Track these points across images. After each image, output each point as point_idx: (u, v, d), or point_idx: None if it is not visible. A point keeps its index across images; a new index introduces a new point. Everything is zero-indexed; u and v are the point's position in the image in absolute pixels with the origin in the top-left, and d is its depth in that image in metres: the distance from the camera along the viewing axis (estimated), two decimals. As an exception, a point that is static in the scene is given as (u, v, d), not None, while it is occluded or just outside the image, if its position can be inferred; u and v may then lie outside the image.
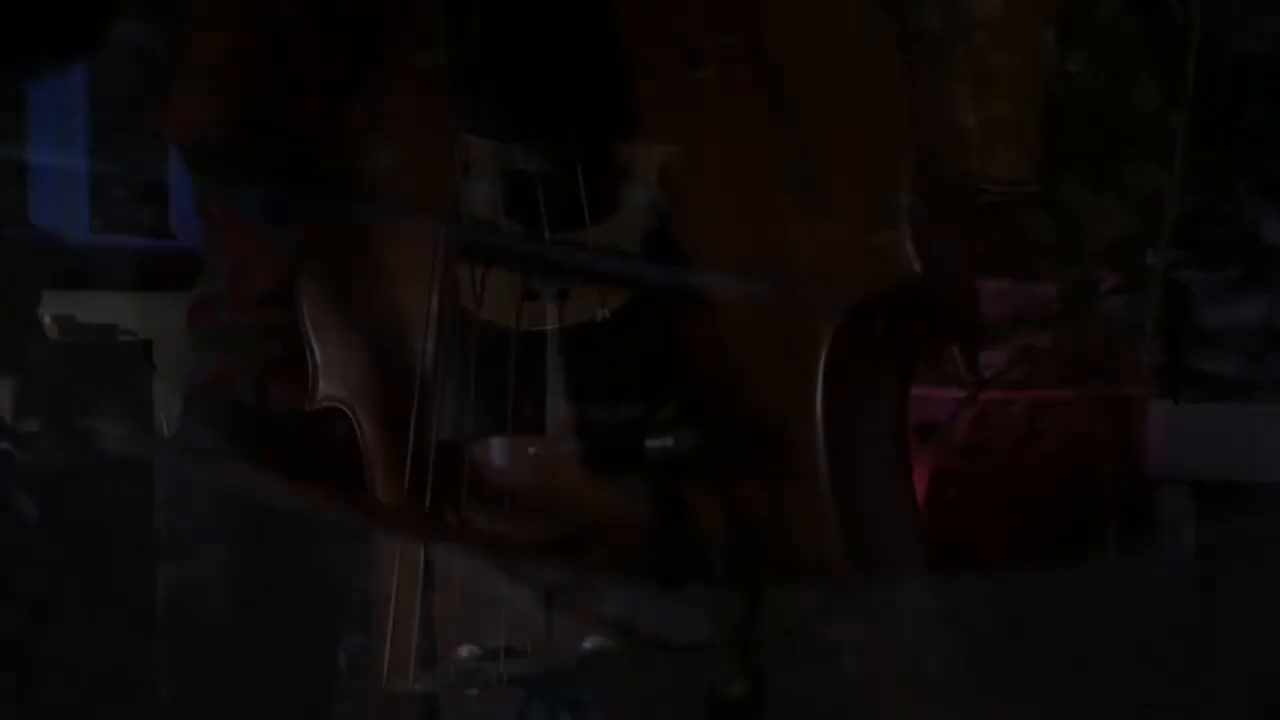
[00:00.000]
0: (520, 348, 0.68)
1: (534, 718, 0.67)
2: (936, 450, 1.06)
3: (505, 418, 0.68)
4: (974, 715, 0.67)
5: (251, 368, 0.84)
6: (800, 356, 0.64)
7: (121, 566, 0.91)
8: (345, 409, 0.75)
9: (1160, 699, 0.88)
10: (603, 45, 0.68)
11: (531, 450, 0.68)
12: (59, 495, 0.93)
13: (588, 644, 0.67)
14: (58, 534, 0.92)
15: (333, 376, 0.76)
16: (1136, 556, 1.05)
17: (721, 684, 0.63)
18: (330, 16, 0.76)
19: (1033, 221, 1.10)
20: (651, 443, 0.64)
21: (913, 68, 0.67)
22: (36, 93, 1.10)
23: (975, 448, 1.10)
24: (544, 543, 0.68)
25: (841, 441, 0.65)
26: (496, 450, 0.69)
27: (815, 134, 0.66)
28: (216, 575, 0.83)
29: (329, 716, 0.76)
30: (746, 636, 0.63)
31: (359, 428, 0.75)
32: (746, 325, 0.66)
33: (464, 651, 0.69)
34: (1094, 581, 0.96)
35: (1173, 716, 0.88)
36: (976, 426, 1.10)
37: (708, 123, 0.68)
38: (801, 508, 0.65)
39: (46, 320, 0.98)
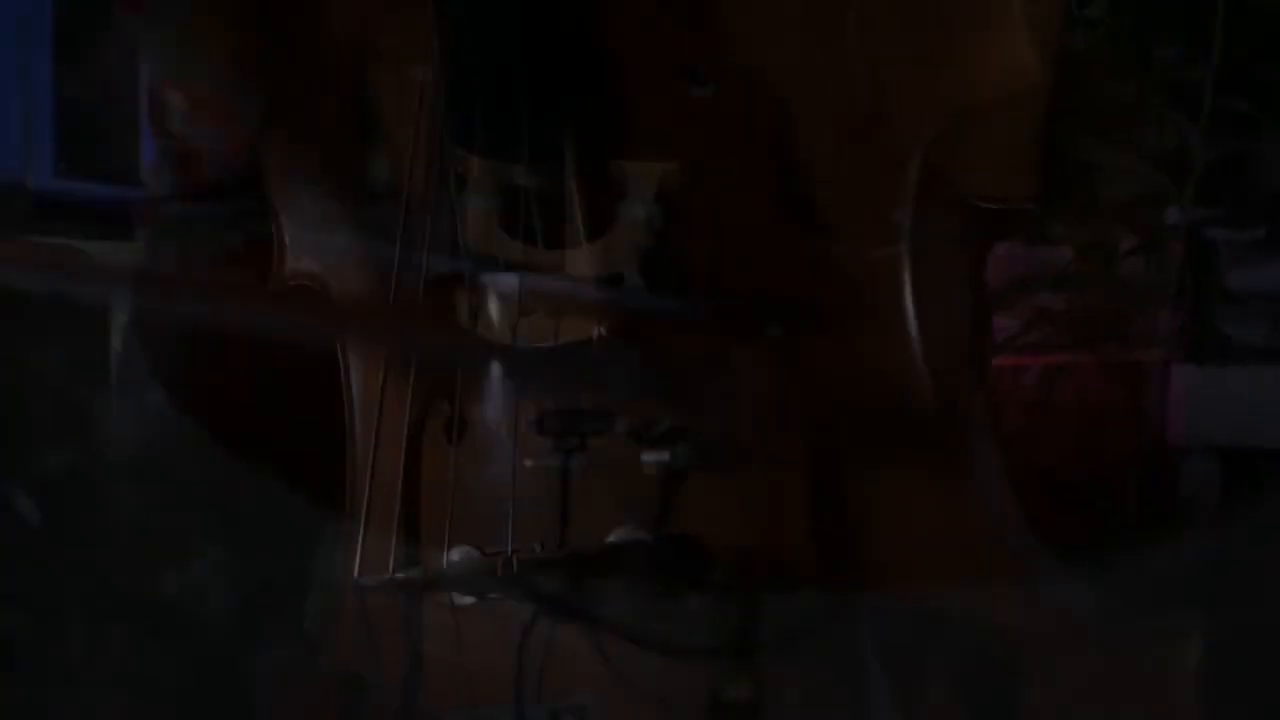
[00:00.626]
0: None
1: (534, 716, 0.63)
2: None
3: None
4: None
5: (209, 260, 0.80)
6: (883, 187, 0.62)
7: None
8: (316, 286, 0.73)
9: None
10: (598, 63, 0.68)
11: (529, 464, 0.66)
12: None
13: (613, 537, 0.63)
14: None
15: (302, 250, 0.73)
16: (1159, 525, 1.00)
17: (722, 687, 0.63)
18: (329, 22, 0.74)
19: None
20: (647, 457, 0.64)
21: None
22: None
23: (987, 415, 1.05)
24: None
25: (926, 292, 0.63)
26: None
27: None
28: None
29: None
30: (747, 639, 0.63)
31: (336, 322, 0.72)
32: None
33: (456, 554, 0.65)
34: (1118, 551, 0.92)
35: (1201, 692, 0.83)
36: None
37: (706, 140, 0.67)
38: (889, 363, 0.64)
39: (-8, 239, 0.93)
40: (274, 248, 0.74)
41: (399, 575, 0.66)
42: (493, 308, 0.67)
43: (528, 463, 0.66)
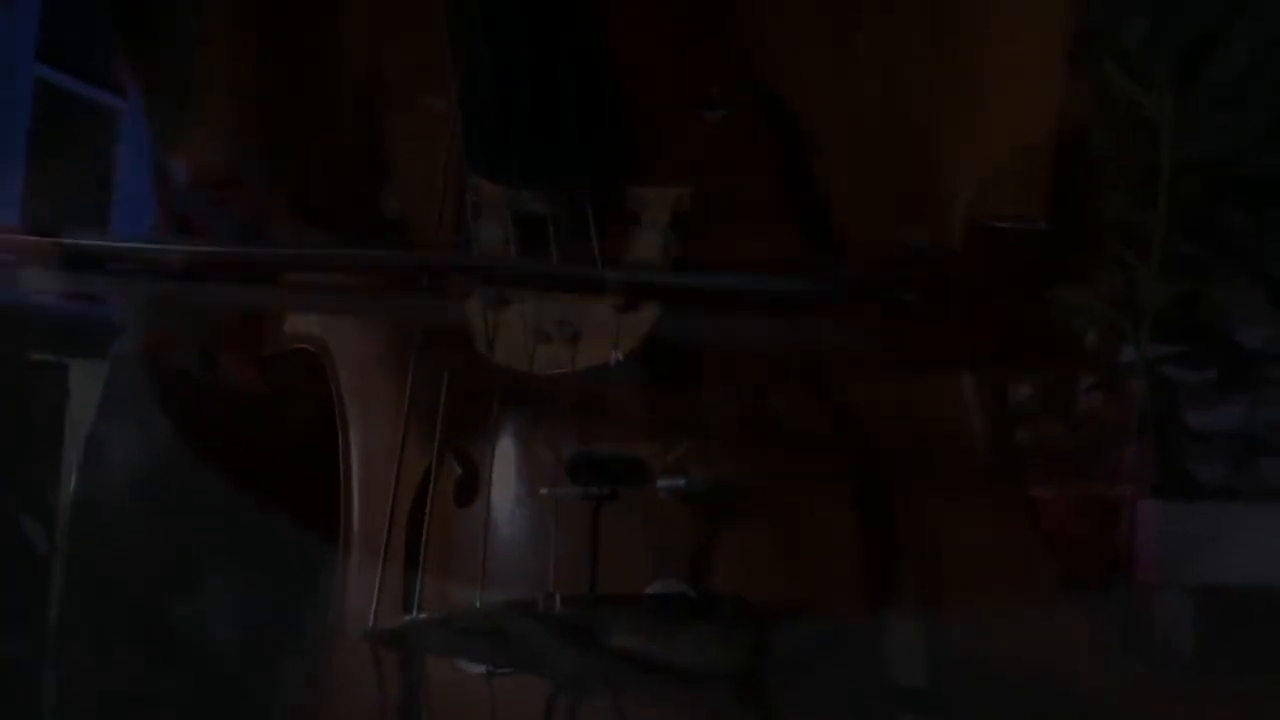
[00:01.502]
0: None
1: None
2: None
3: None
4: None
5: (195, 332, 0.76)
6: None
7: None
8: (315, 349, 0.69)
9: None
10: (612, 88, 0.68)
11: (543, 491, 0.65)
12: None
13: (652, 589, 0.59)
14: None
15: (302, 317, 0.70)
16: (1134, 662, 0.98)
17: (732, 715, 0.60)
18: (340, 57, 0.74)
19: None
20: (663, 483, 0.63)
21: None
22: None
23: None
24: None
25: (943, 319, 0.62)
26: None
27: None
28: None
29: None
30: (757, 667, 0.61)
31: (333, 374, 0.69)
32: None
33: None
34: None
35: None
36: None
37: (720, 165, 0.67)
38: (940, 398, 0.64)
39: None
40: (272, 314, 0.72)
41: (421, 616, 0.62)
42: (509, 335, 0.66)
43: (543, 490, 0.63)
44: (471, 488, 0.66)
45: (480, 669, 0.63)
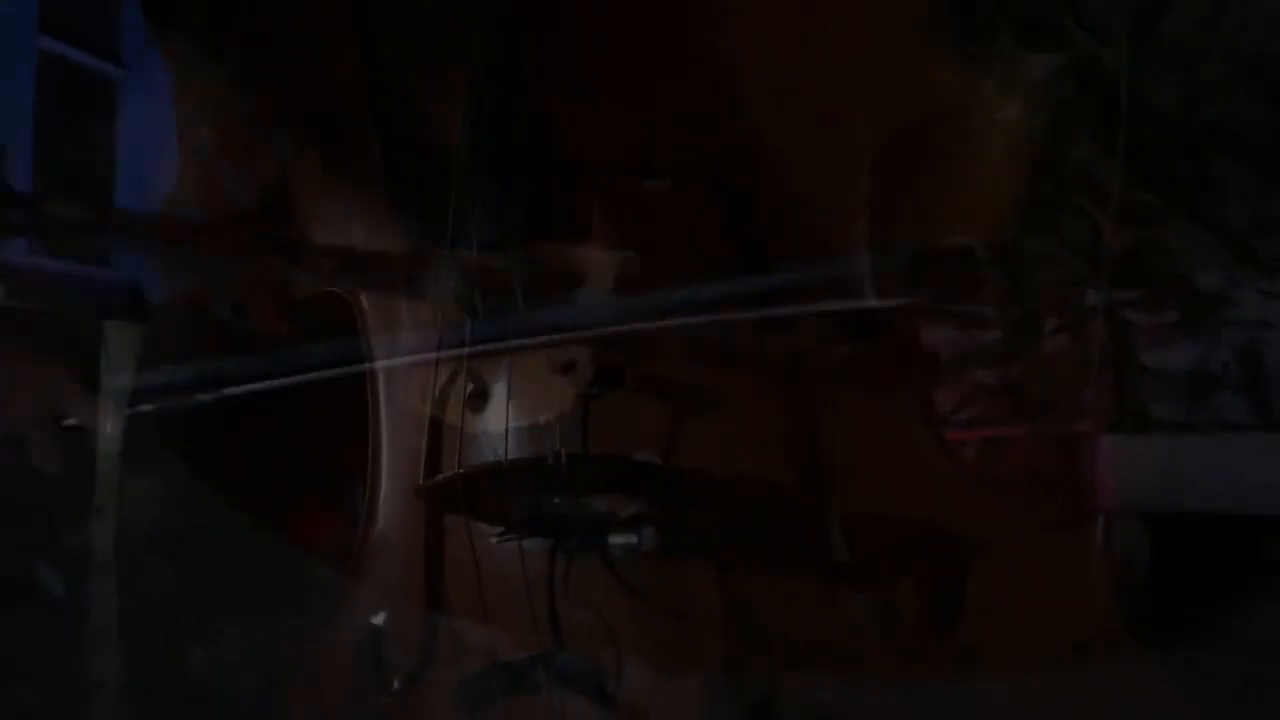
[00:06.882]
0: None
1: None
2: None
3: None
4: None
5: (229, 285, 0.81)
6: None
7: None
8: (342, 293, 0.74)
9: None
10: (554, 155, 0.71)
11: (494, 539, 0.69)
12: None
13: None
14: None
15: (328, 255, 0.74)
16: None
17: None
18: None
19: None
20: (615, 539, 0.67)
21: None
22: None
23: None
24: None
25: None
26: None
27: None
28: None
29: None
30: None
31: (361, 317, 0.74)
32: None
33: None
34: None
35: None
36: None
37: (662, 232, 0.70)
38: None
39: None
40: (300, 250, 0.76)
41: (462, 470, 0.68)
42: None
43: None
44: (485, 398, 0.71)
45: (496, 530, 0.68)
